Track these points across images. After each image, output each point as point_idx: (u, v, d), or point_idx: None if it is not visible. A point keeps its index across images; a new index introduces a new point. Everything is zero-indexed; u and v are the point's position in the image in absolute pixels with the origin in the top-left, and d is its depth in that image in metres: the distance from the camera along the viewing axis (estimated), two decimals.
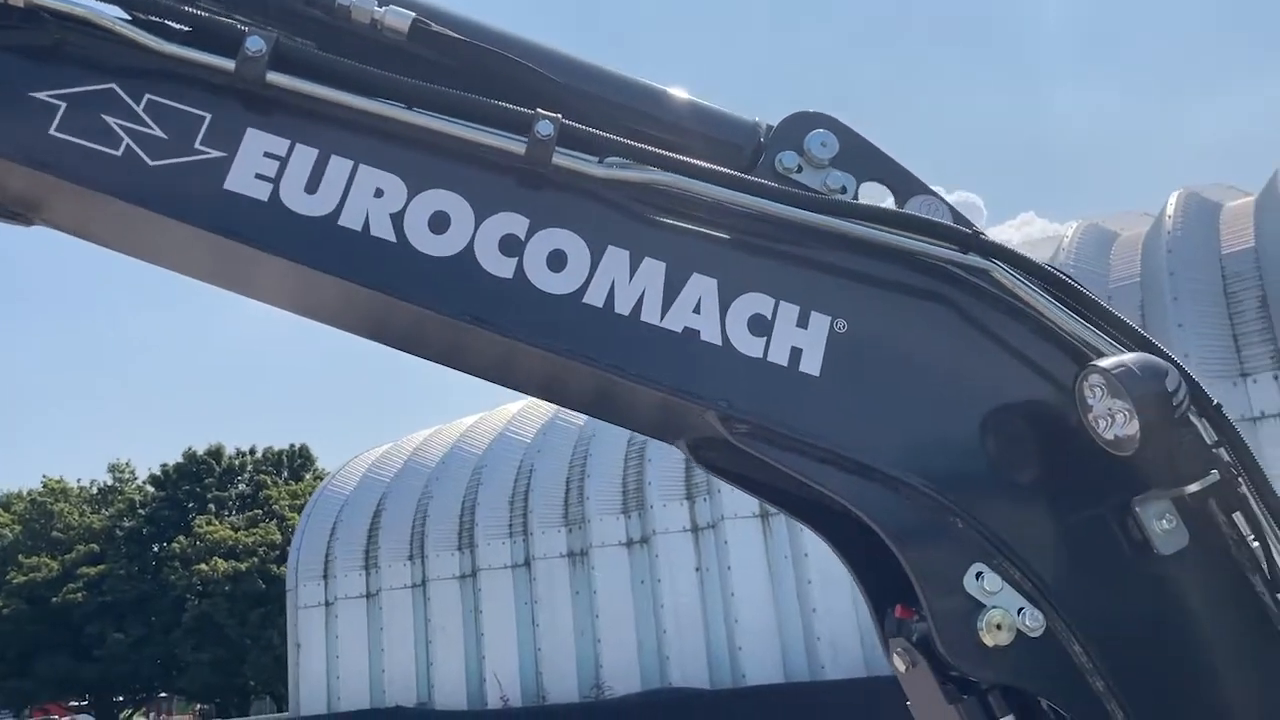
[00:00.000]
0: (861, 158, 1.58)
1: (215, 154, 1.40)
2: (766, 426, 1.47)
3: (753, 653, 9.75)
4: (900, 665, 1.52)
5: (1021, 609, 1.42)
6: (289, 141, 1.41)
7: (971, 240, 1.52)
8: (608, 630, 10.65)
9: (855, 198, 1.55)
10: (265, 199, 1.39)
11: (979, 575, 1.43)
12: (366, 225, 1.41)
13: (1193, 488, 1.44)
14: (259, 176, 1.39)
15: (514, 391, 1.72)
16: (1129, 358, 1.41)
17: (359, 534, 12.56)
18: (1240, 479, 1.48)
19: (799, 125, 1.58)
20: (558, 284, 1.44)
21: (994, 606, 1.41)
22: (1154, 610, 1.48)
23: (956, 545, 1.45)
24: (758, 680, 9.42)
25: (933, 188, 1.63)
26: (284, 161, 1.40)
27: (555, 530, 11.45)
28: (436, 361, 1.69)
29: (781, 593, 10.01)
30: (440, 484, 12.28)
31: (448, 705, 11.03)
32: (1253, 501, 1.47)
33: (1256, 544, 1.47)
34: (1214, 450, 1.47)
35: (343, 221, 1.40)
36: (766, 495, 1.70)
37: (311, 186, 1.40)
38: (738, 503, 10.05)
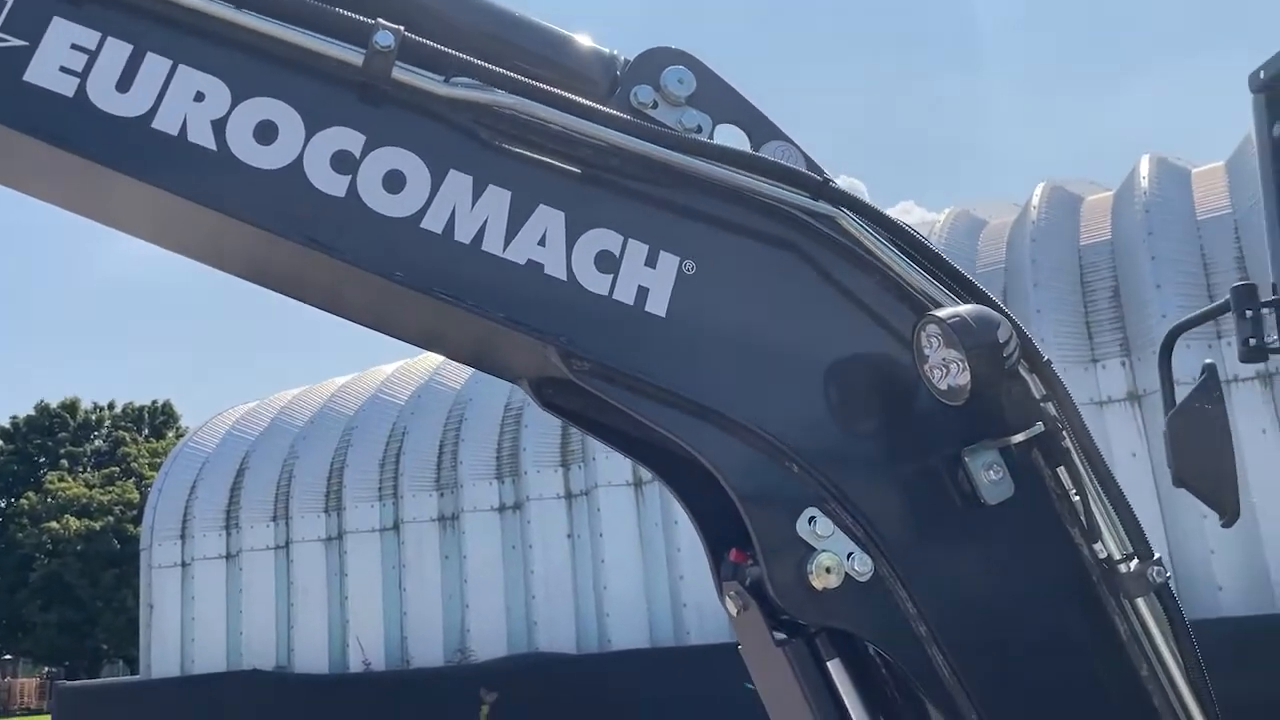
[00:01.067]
0: (718, 98, 1.56)
1: (15, 42, 1.29)
2: (609, 365, 1.45)
3: (620, 618, 9.83)
4: (732, 608, 1.53)
5: (851, 554, 1.45)
6: (99, 34, 1.31)
7: (822, 187, 1.52)
8: (476, 595, 10.58)
9: (710, 139, 1.54)
10: (70, 94, 1.29)
11: (812, 520, 1.45)
12: (184, 130, 1.32)
13: (1018, 437, 1.49)
14: (64, 70, 1.29)
15: (354, 324, 1.65)
16: (964, 309, 1.44)
17: (220, 493, 12.13)
18: (1065, 433, 1.53)
19: (657, 60, 1.55)
20: (394, 206, 1.39)
21: (824, 550, 1.43)
22: (978, 559, 1.53)
23: (791, 490, 1.46)
24: (624, 645, 9.51)
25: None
26: (93, 56, 1.30)
27: (426, 494, 11.29)
28: (280, 291, 1.61)
29: (651, 560, 10.11)
30: (308, 444, 11.96)
31: (308, 669, 10.80)
32: (1075, 456, 1.53)
33: (1078, 498, 1.53)
34: (1041, 404, 1.52)
35: (157, 124, 1.31)
36: (608, 438, 1.68)
37: (124, 85, 1.30)
38: (612, 471, 10.08)
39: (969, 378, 1.41)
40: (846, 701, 1.48)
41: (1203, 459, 2.29)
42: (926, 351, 1.47)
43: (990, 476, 1.49)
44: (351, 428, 11.87)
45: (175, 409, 35.74)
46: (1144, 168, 9.40)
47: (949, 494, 1.50)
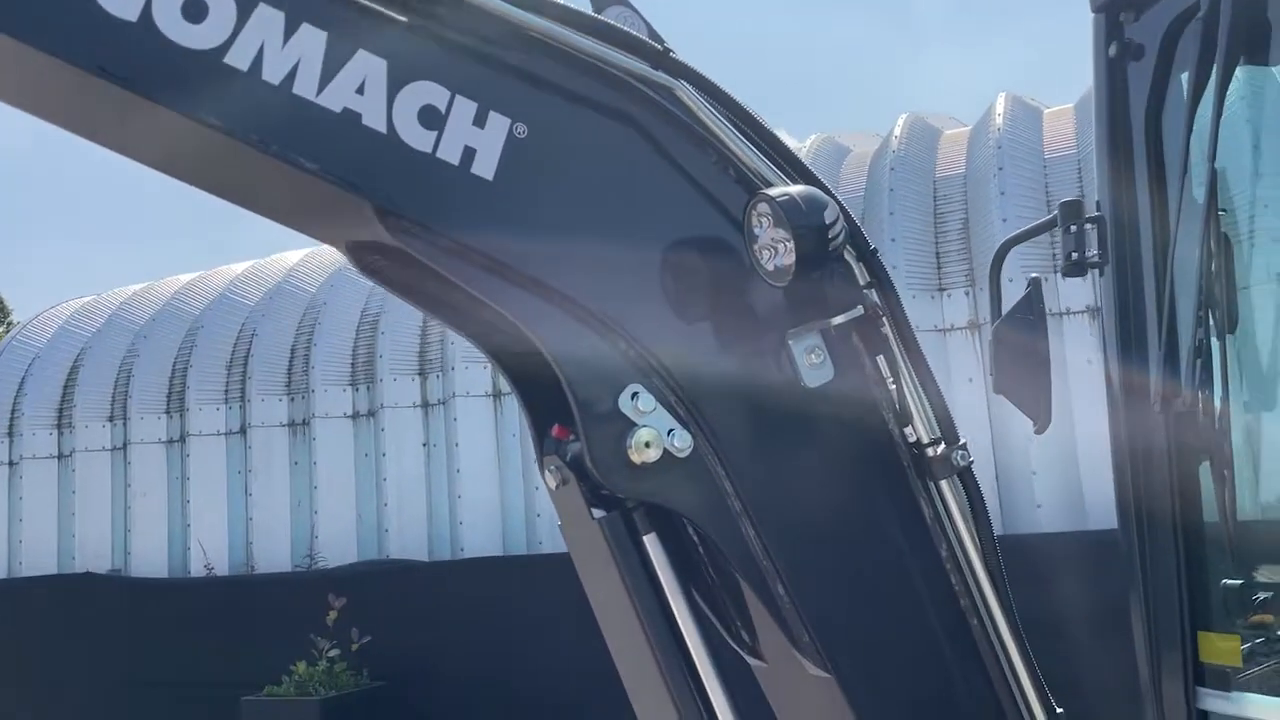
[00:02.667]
0: None
1: None
2: (430, 227, 1.40)
3: (474, 526, 9.84)
4: (551, 482, 1.53)
5: (671, 430, 1.46)
6: None
7: (662, 57, 1.49)
8: (326, 502, 10.40)
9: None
10: None
11: (634, 395, 1.45)
12: None
13: (838, 319, 1.52)
14: None
15: (163, 174, 1.53)
16: (794, 189, 1.45)
17: (51, 391, 11.47)
18: (885, 321, 1.57)
19: None
20: (194, 36, 1.28)
21: (645, 426, 1.44)
22: (794, 439, 1.56)
23: (615, 364, 1.46)
24: (476, 553, 9.53)
25: None
26: None
27: (276, 399, 10.95)
28: (81, 132, 1.48)
29: (507, 470, 10.12)
30: (149, 343, 11.39)
31: (145, 573, 10.45)
32: (894, 344, 1.57)
33: (894, 386, 1.58)
34: (864, 290, 1.56)
35: None
36: (431, 307, 1.64)
37: None
38: (470, 381, 9.99)
39: (794, 258, 1.42)
40: (660, 576, 1.50)
41: (1021, 369, 2.39)
42: (756, 232, 1.47)
43: (811, 360, 1.52)
44: (197, 328, 11.36)
45: (6, 303, 33.50)
46: (999, 105, 9.71)
47: (770, 375, 1.52)
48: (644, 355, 1.42)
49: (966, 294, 9.10)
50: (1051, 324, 8.92)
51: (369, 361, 10.72)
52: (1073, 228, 2.52)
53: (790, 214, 1.38)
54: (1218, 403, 2.19)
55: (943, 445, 1.56)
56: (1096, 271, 2.52)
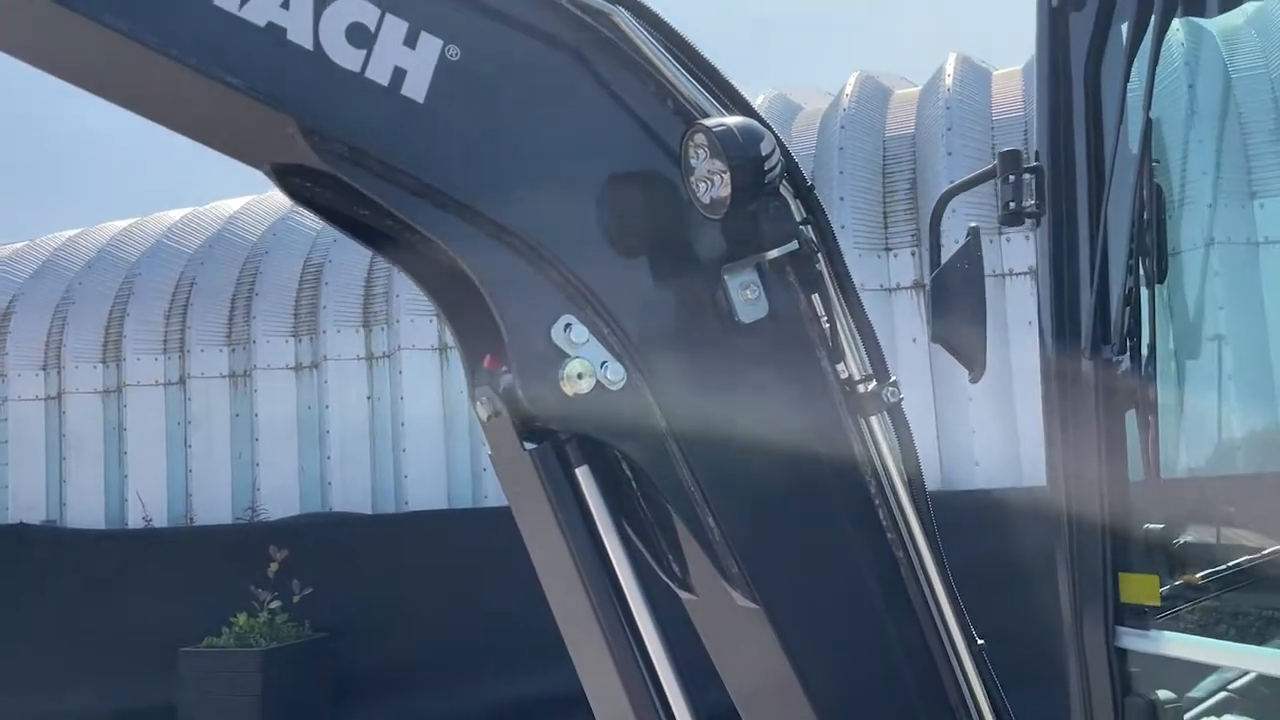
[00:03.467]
0: None
1: None
2: (357, 148, 1.36)
3: (419, 480, 9.79)
4: (483, 414, 1.51)
5: (605, 362, 1.45)
6: None
7: None
8: (268, 454, 10.27)
9: None
10: None
11: (567, 327, 1.43)
12: None
13: (773, 253, 1.52)
14: None
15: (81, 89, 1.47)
16: (731, 120, 1.43)
17: None
18: (820, 258, 1.58)
19: None
20: None
21: (577, 357, 1.42)
22: (728, 374, 1.56)
23: (547, 295, 1.44)
24: (421, 507, 9.50)
25: None
26: None
27: (216, 349, 10.76)
28: (12, 53, 1.41)
29: (453, 424, 10.07)
30: (83, 291, 11.10)
31: (81, 524, 10.26)
32: (829, 281, 1.58)
33: (828, 323, 1.58)
34: (800, 226, 1.56)
35: None
36: (359, 234, 1.60)
37: None
38: (417, 334, 9.90)
39: (729, 190, 1.41)
40: (592, 509, 1.50)
41: (958, 318, 2.42)
42: (693, 163, 1.46)
43: (746, 295, 1.52)
44: (133, 275, 11.09)
45: None
46: (950, 66, 9.76)
47: (705, 310, 1.52)
48: (577, 286, 1.41)
49: (912, 254, 9.20)
50: (994, 285, 9.13)
51: (312, 313, 10.56)
52: (1011, 178, 2.54)
53: (727, 145, 1.37)
54: (1145, 351, 2.23)
55: (874, 382, 1.57)
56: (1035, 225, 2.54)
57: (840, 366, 1.57)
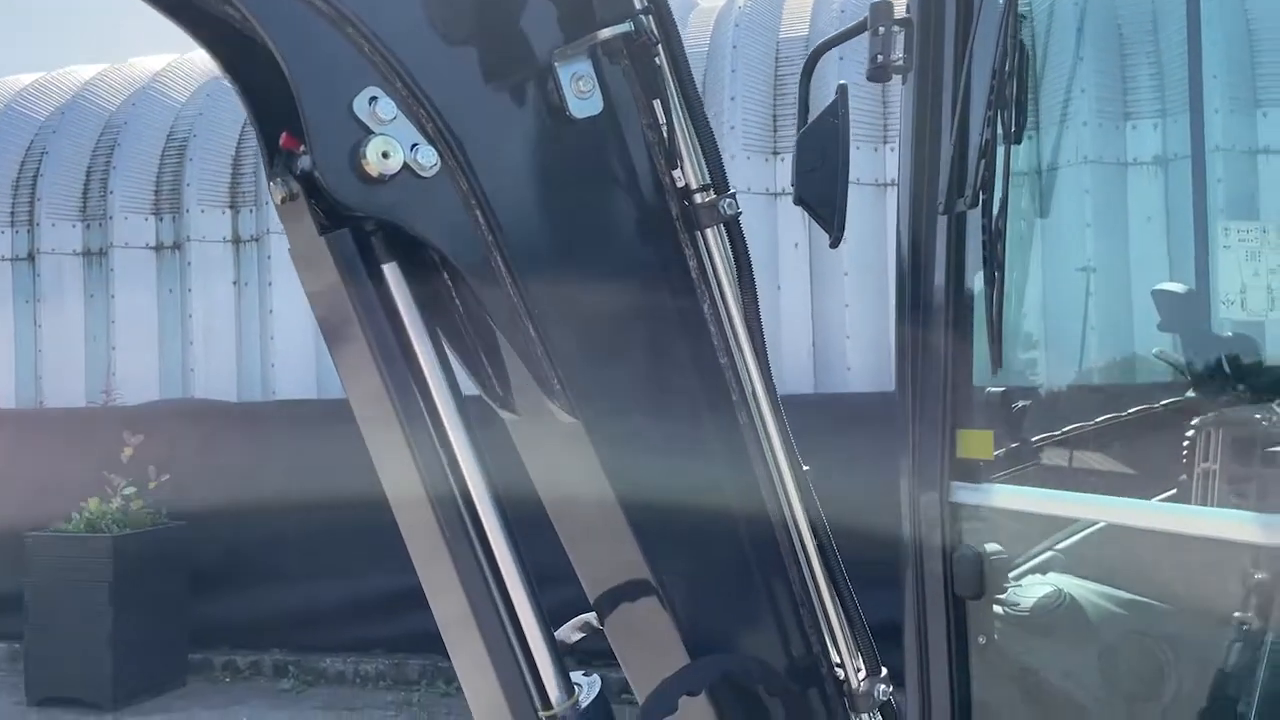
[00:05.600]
0: None
1: None
2: None
3: (287, 370, 9.47)
4: (277, 196, 1.37)
5: (415, 145, 1.32)
6: None
7: None
8: (125, 337, 9.78)
9: None
10: None
11: (372, 100, 1.29)
12: None
13: (605, 33, 1.40)
14: None
15: None
16: None
17: None
18: (660, 53, 1.47)
19: None
20: None
21: (383, 134, 1.29)
22: (556, 171, 1.45)
23: (351, 65, 1.29)
24: (289, 395, 9.21)
25: None
26: None
27: (69, 225, 10.11)
28: None
29: None
30: None
31: None
32: (669, 83, 1.47)
33: (665, 126, 1.49)
34: (640, 15, 1.44)
35: None
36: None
37: None
38: None
39: None
40: (401, 311, 1.38)
41: (820, 180, 2.35)
42: None
43: (579, 88, 1.40)
44: None
45: None
46: None
47: (533, 99, 1.39)
48: (384, 56, 1.27)
49: None
50: (876, 194, 9.11)
51: (174, 190, 9.98)
52: (881, 30, 2.46)
53: None
54: (997, 206, 2.20)
55: (711, 192, 1.49)
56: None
57: (676, 174, 1.48)
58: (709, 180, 1.48)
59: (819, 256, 8.99)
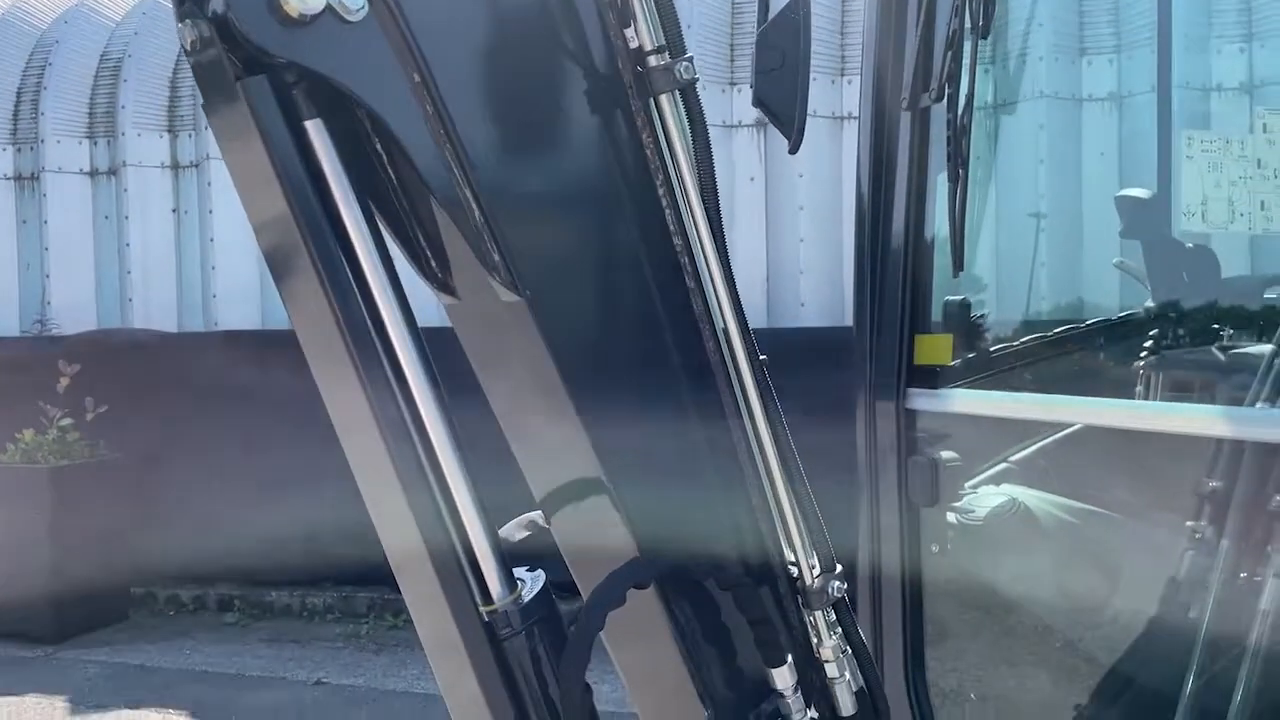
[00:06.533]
0: None
1: None
2: None
3: (230, 300, 9.22)
4: (187, 39, 1.24)
5: None
6: None
7: None
8: (60, 266, 9.44)
9: None
10: None
11: None
12: None
13: None
14: None
15: None
16: None
17: None
18: None
19: None
20: None
21: None
22: (496, 24, 1.34)
23: None
24: (232, 326, 8.98)
25: None
26: None
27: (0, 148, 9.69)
28: None
29: None
30: None
31: None
32: None
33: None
34: None
35: None
36: None
37: None
38: None
39: None
40: (327, 173, 1.26)
41: (780, 80, 2.25)
42: None
43: None
44: None
45: None
46: None
47: None
48: None
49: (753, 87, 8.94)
50: (833, 127, 8.92)
51: (109, 113, 9.58)
52: None
53: None
54: (962, 101, 2.12)
55: (667, 55, 1.39)
56: None
57: (629, 33, 1.37)
58: (664, 42, 1.38)
59: (775, 191, 8.91)
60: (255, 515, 8.13)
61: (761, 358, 1.46)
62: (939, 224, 2.21)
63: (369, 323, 1.32)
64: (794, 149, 2.23)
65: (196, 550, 8.22)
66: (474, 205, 1.29)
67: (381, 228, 1.37)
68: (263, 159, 1.22)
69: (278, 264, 1.34)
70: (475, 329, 1.41)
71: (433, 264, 1.39)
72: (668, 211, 1.44)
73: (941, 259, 2.19)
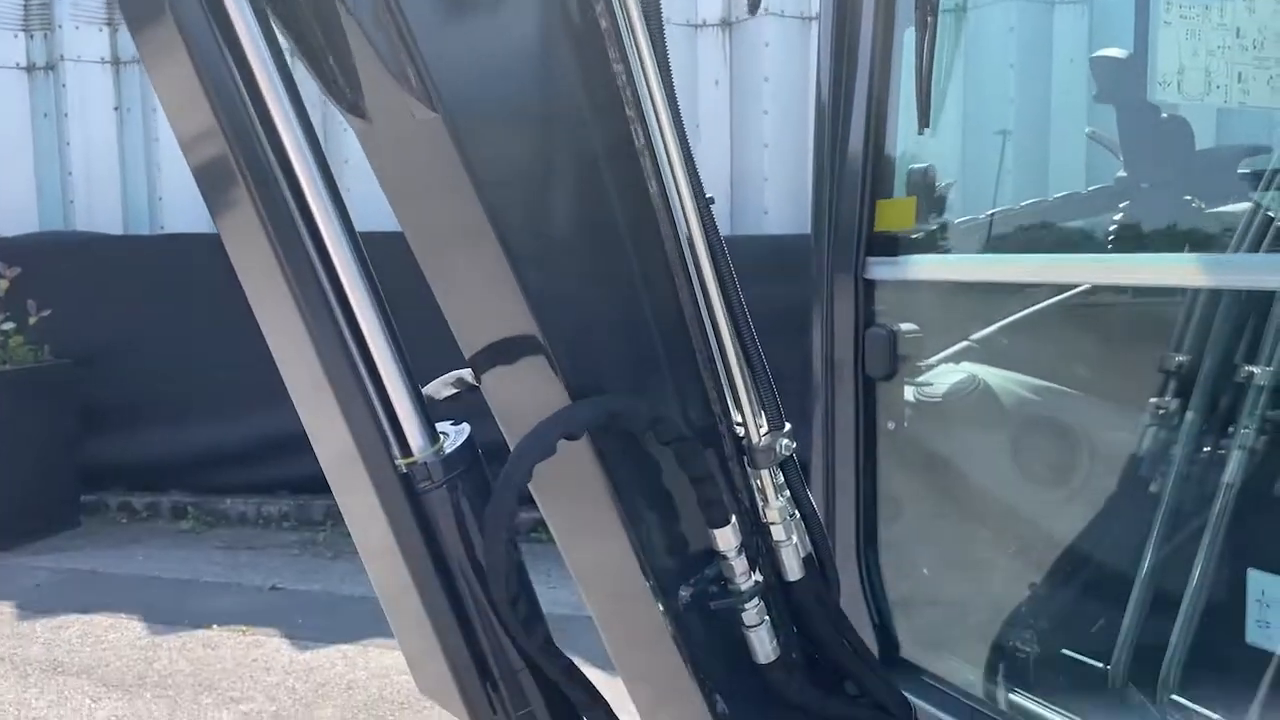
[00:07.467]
0: None
1: None
2: None
3: (177, 203, 8.90)
4: None
5: None
6: None
7: None
8: None
9: None
10: None
11: None
12: None
13: None
14: None
15: None
16: None
17: None
18: None
19: None
20: None
21: None
22: None
23: None
24: (178, 229, 8.69)
25: None
26: None
27: None
28: None
29: None
30: None
31: None
32: None
33: None
34: None
35: None
36: None
37: None
38: None
39: None
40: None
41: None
42: None
43: None
44: None
45: None
46: None
47: None
48: None
49: None
50: (802, 28, 8.67)
51: (45, 4, 9.11)
52: None
53: None
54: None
55: None
56: None
57: None
58: None
59: (740, 95, 8.68)
60: (209, 422, 7.98)
61: (709, 197, 1.34)
62: (905, 82, 2.08)
63: (266, 144, 1.21)
64: (752, 11, 2.07)
65: (146, 457, 8.07)
66: (390, 18, 1.15)
67: (289, 43, 1.23)
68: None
69: (164, 88, 1.20)
70: (387, 151, 1.27)
71: (341, 82, 1.25)
72: (605, 30, 1.29)
73: (908, 122, 2.07)
